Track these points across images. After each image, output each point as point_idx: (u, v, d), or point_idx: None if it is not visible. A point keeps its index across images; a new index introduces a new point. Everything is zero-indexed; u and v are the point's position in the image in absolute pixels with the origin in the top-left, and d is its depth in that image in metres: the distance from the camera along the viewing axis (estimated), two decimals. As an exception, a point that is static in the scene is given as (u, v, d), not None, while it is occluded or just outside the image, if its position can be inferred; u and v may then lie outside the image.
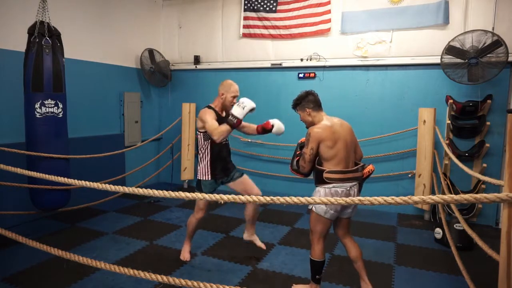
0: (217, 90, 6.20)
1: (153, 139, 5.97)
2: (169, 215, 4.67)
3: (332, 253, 3.56)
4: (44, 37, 3.26)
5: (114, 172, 5.09)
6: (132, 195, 5.24)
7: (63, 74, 3.46)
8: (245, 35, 5.73)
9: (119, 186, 1.87)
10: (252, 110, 2.71)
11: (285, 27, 5.44)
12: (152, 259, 3.37)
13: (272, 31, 5.54)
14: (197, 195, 1.69)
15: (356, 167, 2.56)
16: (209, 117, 2.87)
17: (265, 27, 5.57)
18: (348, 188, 2.48)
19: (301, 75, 5.41)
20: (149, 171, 5.86)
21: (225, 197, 1.67)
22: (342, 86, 5.18)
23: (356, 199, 1.53)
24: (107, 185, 1.90)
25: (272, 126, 3.04)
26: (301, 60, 5.38)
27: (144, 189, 1.79)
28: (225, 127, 2.71)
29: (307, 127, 2.59)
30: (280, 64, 5.55)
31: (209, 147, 3.01)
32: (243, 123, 3.05)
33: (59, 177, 2.04)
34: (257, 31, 5.64)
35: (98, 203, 4.67)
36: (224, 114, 3.08)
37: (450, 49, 4.22)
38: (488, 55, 4.04)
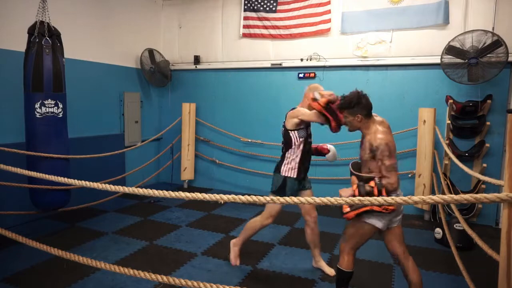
0: (217, 90, 6.27)
1: (153, 139, 5.97)
2: (169, 215, 4.67)
3: (332, 253, 3.56)
4: (44, 37, 3.26)
5: (114, 172, 5.09)
6: (132, 195, 5.24)
7: (63, 74, 3.46)
8: (245, 35, 5.73)
9: (119, 186, 1.87)
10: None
11: (285, 27, 5.44)
12: (152, 259, 3.37)
13: (272, 31, 5.54)
14: (197, 195, 1.68)
15: None
16: (306, 111, 2.90)
17: (265, 27, 5.57)
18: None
19: (301, 75, 5.41)
20: (149, 171, 5.85)
21: (225, 197, 1.67)
22: (342, 86, 5.12)
23: (356, 199, 1.53)
24: (107, 185, 1.90)
25: (328, 151, 3.08)
26: (301, 60, 5.38)
27: (144, 189, 1.79)
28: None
29: (350, 130, 2.43)
30: (280, 64, 5.55)
31: (302, 145, 2.97)
32: None
33: (59, 177, 2.04)
34: (257, 31, 5.64)
35: (98, 203, 4.67)
36: None
37: (450, 49, 4.22)
38: (488, 55, 4.04)
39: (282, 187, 2.98)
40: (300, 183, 3.04)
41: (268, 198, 1.62)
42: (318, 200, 1.59)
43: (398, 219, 2.33)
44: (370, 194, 2.11)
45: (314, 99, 2.59)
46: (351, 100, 2.36)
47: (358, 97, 2.36)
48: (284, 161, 3.01)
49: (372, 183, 2.15)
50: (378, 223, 2.24)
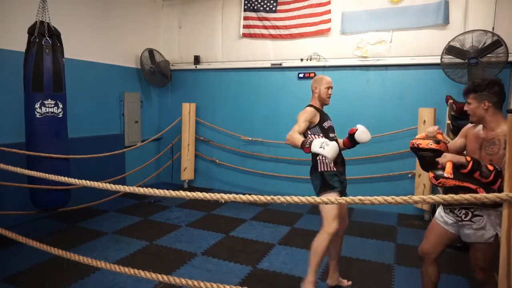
0: (217, 90, 6.28)
1: (153, 139, 5.97)
2: (169, 215, 4.67)
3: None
4: (44, 37, 3.26)
5: (114, 172, 5.08)
6: (132, 195, 5.24)
7: (63, 74, 3.46)
8: (245, 35, 5.73)
9: (119, 186, 1.86)
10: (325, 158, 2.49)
11: (285, 27, 5.44)
12: (152, 259, 3.37)
13: (272, 31, 5.54)
14: (197, 194, 1.68)
15: None
16: (301, 118, 2.67)
17: (265, 27, 5.57)
18: None
19: (301, 75, 5.41)
20: (149, 171, 5.85)
21: (225, 196, 1.67)
22: (342, 86, 5.17)
23: (357, 198, 1.53)
24: (107, 184, 1.90)
25: (356, 130, 2.70)
26: (301, 60, 5.38)
27: (144, 188, 1.79)
28: (298, 140, 2.51)
29: (472, 121, 2.09)
30: (280, 64, 5.55)
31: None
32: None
33: (59, 177, 2.04)
34: (257, 31, 5.64)
35: (98, 203, 4.66)
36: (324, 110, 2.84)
37: (450, 49, 4.22)
38: (488, 55, 4.04)
39: (323, 183, 2.64)
40: (341, 178, 2.68)
41: (268, 198, 1.61)
42: (318, 199, 1.59)
43: None
44: (482, 175, 1.81)
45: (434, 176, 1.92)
46: (481, 83, 1.99)
47: (491, 81, 1.98)
48: (317, 160, 2.70)
49: (490, 167, 1.82)
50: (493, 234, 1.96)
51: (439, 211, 2.23)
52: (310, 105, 2.81)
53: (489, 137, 1.98)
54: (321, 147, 2.36)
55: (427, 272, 2.28)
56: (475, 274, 2.08)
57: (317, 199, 1.58)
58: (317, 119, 2.72)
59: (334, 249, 2.82)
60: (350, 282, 2.92)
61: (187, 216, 4.65)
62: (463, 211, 2.04)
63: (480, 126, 2.07)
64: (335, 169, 2.65)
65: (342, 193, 2.67)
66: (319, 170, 2.66)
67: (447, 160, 1.93)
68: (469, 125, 2.18)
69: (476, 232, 1.99)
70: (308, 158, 2.79)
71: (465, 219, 2.03)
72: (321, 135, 2.69)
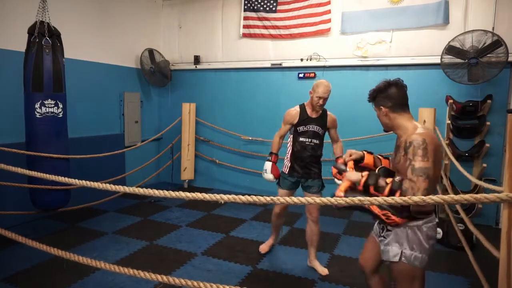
0: (217, 90, 6.29)
1: (153, 139, 5.97)
2: (169, 215, 4.67)
3: (332, 253, 3.56)
4: (44, 37, 3.26)
5: (114, 172, 5.08)
6: (132, 195, 5.23)
7: (63, 74, 3.46)
8: (245, 35, 5.73)
9: (119, 186, 1.86)
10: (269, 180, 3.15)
11: (285, 27, 5.44)
12: (152, 259, 3.37)
13: (272, 31, 5.54)
14: (197, 195, 1.68)
15: None
16: (283, 121, 3.13)
17: (265, 27, 5.57)
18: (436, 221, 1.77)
19: (301, 75, 5.41)
20: (149, 171, 5.85)
21: (225, 197, 1.67)
22: (342, 86, 5.17)
23: (356, 199, 1.53)
24: (107, 185, 1.89)
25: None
26: (301, 60, 5.38)
27: (144, 189, 1.79)
28: (271, 148, 3.24)
29: (384, 130, 1.94)
30: (280, 64, 5.54)
31: (291, 142, 3.13)
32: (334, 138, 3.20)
33: (59, 177, 2.04)
34: (257, 31, 5.64)
35: (98, 203, 4.67)
36: (314, 115, 3.05)
37: (450, 49, 4.22)
38: (488, 55, 4.04)
39: (278, 180, 3.20)
40: (298, 182, 3.14)
41: (268, 198, 1.61)
42: (318, 200, 1.59)
43: None
44: (378, 190, 1.64)
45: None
46: (374, 89, 1.90)
47: (384, 85, 1.84)
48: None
49: (389, 179, 1.64)
50: (414, 260, 1.72)
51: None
52: (301, 105, 3.11)
53: (398, 144, 1.81)
54: (263, 171, 3.14)
55: (369, 286, 2.09)
56: None
57: (317, 199, 1.58)
58: (294, 120, 3.03)
59: (307, 235, 3.19)
60: (326, 271, 3.12)
61: (187, 216, 4.65)
62: (381, 225, 1.87)
63: None
64: (286, 172, 3.14)
65: (290, 192, 3.16)
66: (281, 169, 3.21)
67: (344, 181, 1.79)
68: None
69: (384, 248, 1.81)
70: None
71: (381, 234, 1.86)
72: (291, 136, 3.11)
